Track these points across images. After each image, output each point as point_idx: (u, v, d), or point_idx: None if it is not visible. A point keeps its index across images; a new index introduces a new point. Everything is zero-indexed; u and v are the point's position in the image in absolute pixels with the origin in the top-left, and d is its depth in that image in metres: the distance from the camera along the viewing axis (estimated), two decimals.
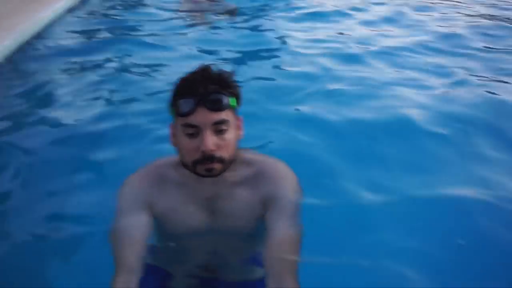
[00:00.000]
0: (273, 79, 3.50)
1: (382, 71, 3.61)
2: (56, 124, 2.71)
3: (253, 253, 1.20)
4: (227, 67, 1.12)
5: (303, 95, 3.17)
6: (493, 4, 5.85)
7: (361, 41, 4.31)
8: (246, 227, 1.13)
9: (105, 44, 4.22)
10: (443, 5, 5.75)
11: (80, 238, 1.77)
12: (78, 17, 5.02)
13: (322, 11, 5.27)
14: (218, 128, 1.02)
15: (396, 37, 4.52)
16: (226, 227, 1.12)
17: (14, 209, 1.96)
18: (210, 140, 1.00)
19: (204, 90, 1.00)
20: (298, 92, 3.21)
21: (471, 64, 3.77)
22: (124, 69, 3.64)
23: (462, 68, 3.66)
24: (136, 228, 1.07)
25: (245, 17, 5.11)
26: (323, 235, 1.73)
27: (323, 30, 4.74)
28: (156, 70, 3.61)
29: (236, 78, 1.11)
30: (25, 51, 3.90)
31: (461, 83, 3.35)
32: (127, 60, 3.82)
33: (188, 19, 4.96)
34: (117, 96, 3.15)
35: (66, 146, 2.46)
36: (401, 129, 2.62)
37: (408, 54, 3.98)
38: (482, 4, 5.84)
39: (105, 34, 4.54)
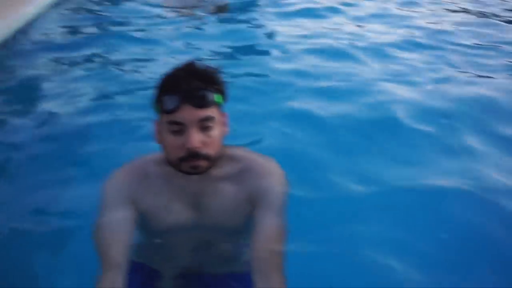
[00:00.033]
0: (262, 75, 3.50)
1: (370, 67, 3.64)
2: (42, 119, 2.69)
3: (239, 248, 1.20)
4: (214, 63, 1.11)
5: (292, 91, 3.18)
6: (479, 0, 5.91)
7: (351, 37, 4.34)
8: (232, 223, 1.13)
9: (90, 39, 4.19)
10: (429, 1, 5.81)
11: (67, 232, 1.77)
12: (63, 12, 4.96)
13: (312, 7, 5.28)
14: (204, 125, 1.01)
15: (384, 33, 4.55)
16: (212, 223, 1.12)
17: (0, 203, 1.94)
18: (196, 138, 0.99)
19: (189, 86, 0.99)
20: (287, 88, 3.23)
21: (456, 59, 3.83)
22: (110, 64, 3.63)
23: (448, 64, 3.72)
24: (121, 224, 1.06)
25: (235, 13, 5.09)
26: (311, 227, 1.79)
27: (312, 26, 4.75)
28: (142, 66, 3.60)
29: (223, 74, 1.10)
30: (10, 46, 3.85)
31: (447, 78, 3.40)
32: (113, 55, 3.80)
33: (176, 15, 4.92)
34: (103, 91, 3.14)
35: (52, 141, 2.45)
36: (388, 123, 2.67)
37: (396, 50, 4.02)
38: (469, 0, 5.91)
39: (90, 29, 4.50)
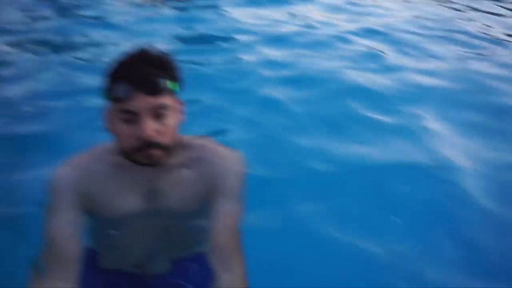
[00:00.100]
0: (225, 64, 3.48)
1: (333, 55, 3.69)
2: None
3: (197, 234, 1.18)
4: (172, 50, 1.08)
5: (256, 80, 3.18)
6: None
7: (315, 25, 4.37)
8: (188, 211, 1.10)
9: (49, 24, 4.06)
10: None
11: (24, 218, 1.75)
12: None
13: None
14: (158, 113, 0.96)
15: (348, 22, 4.61)
16: (168, 212, 1.09)
17: None
18: (149, 126, 0.95)
19: (141, 73, 0.94)
20: (251, 76, 3.23)
21: (414, 47, 3.95)
22: (68, 49, 3.53)
23: (406, 52, 3.83)
24: (72, 226, 1.02)
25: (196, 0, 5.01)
26: (274, 205, 1.90)
27: (276, 14, 4.74)
28: (100, 51, 3.51)
29: (179, 61, 1.07)
30: None
31: (405, 66, 3.52)
32: (71, 40, 3.70)
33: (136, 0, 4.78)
34: (62, 76, 3.09)
35: (9, 125, 2.43)
36: (350, 109, 2.78)
37: (358, 38, 4.08)
38: None
39: (49, 14, 4.34)
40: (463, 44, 4.06)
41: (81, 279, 1.02)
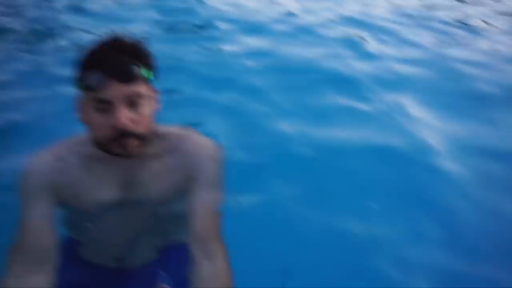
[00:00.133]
0: (203, 52, 3.44)
1: (308, 45, 3.69)
2: None
3: (174, 223, 1.17)
4: (145, 38, 1.05)
5: (235, 68, 3.17)
6: None
7: (295, 14, 4.36)
8: (166, 202, 1.09)
9: (22, 10, 3.93)
10: None
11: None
12: None
13: None
14: (132, 101, 0.94)
15: (328, 11, 4.61)
16: (145, 204, 1.07)
17: None
18: (124, 115, 0.92)
19: (114, 61, 0.91)
20: (229, 67, 3.21)
21: (390, 34, 3.99)
22: (41, 36, 3.44)
23: (380, 39, 3.87)
24: (44, 219, 0.99)
25: None
26: (260, 192, 1.94)
27: (256, 2, 4.71)
28: (72, 38, 3.44)
29: (153, 48, 1.04)
30: None
31: (381, 53, 3.55)
32: (44, 26, 3.60)
33: None
34: (35, 63, 3.02)
35: None
36: (335, 95, 2.85)
37: (338, 26, 4.09)
38: None
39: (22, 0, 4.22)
40: (442, 31, 4.12)
41: (62, 271, 1.00)
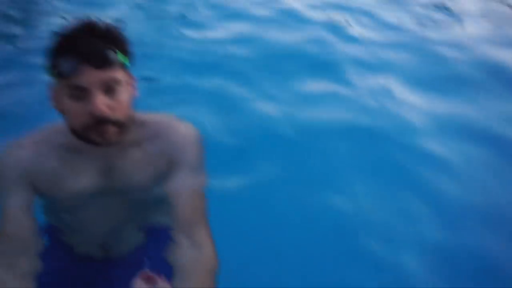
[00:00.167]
0: (184, 38, 3.39)
1: (293, 28, 3.68)
2: None
3: (156, 208, 1.17)
4: (116, 22, 1.03)
5: (217, 54, 3.14)
6: None
7: (270, 0, 4.32)
8: (147, 190, 1.07)
9: None
10: None
11: None
12: None
13: None
14: (109, 87, 0.92)
15: None
16: (126, 192, 1.06)
17: None
18: (101, 102, 0.90)
19: (89, 46, 0.89)
20: (211, 51, 3.18)
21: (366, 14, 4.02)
22: (10, 19, 3.35)
23: (357, 20, 3.88)
24: (23, 208, 0.98)
25: None
26: (245, 173, 1.96)
27: None
28: (46, 22, 3.35)
29: (130, 34, 1.02)
30: None
31: (358, 36, 3.56)
32: (14, 11, 3.51)
33: None
34: (9, 51, 2.95)
35: None
36: (319, 78, 2.89)
37: (319, 10, 4.08)
38: None
39: None
40: (422, 15, 4.14)
41: (47, 259, 1.00)
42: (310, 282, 1.51)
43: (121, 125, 0.96)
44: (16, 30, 3.27)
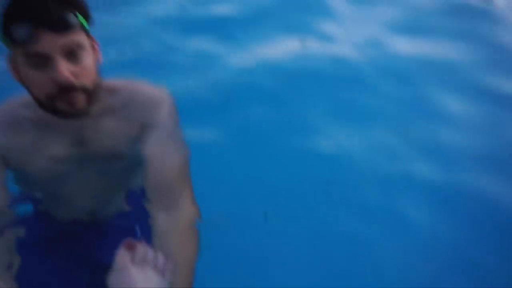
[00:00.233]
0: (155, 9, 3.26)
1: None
2: None
3: (131, 185, 1.14)
4: None
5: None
6: None
7: None
8: (124, 157, 1.04)
9: None
10: None
11: None
12: None
13: None
14: (71, 53, 0.86)
15: None
16: (101, 162, 1.03)
17: None
18: (64, 68, 0.84)
19: (44, 8, 0.82)
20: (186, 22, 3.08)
21: None
22: None
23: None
24: None
25: None
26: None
27: None
28: None
29: None
30: None
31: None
32: None
33: None
34: None
35: None
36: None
37: None
38: None
39: None
40: None
41: (31, 231, 1.00)
42: (302, 228, 1.51)
43: (89, 92, 0.91)
44: None
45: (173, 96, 1.05)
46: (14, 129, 0.96)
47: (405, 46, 2.62)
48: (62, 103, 0.88)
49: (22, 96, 0.98)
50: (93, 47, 0.93)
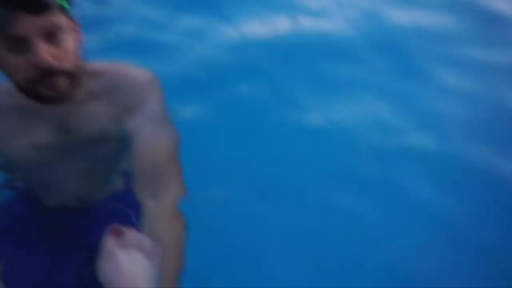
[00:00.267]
0: None
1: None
2: None
3: (122, 168, 1.12)
4: None
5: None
6: None
7: None
8: (109, 142, 1.02)
9: None
10: None
11: None
12: None
13: None
14: (50, 35, 0.82)
15: None
16: (87, 147, 1.01)
17: None
18: (44, 50, 0.81)
19: None
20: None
21: None
22: None
23: None
24: None
25: None
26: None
27: None
28: None
29: None
30: None
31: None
32: None
33: None
34: None
35: None
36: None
37: None
38: None
39: None
40: None
41: (23, 218, 1.00)
42: (297, 205, 1.50)
43: (71, 76, 0.87)
44: None
45: (159, 78, 1.02)
46: None
47: (399, 18, 2.58)
48: (43, 88, 0.85)
49: (2, 83, 0.95)
50: (74, 29, 0.89)
